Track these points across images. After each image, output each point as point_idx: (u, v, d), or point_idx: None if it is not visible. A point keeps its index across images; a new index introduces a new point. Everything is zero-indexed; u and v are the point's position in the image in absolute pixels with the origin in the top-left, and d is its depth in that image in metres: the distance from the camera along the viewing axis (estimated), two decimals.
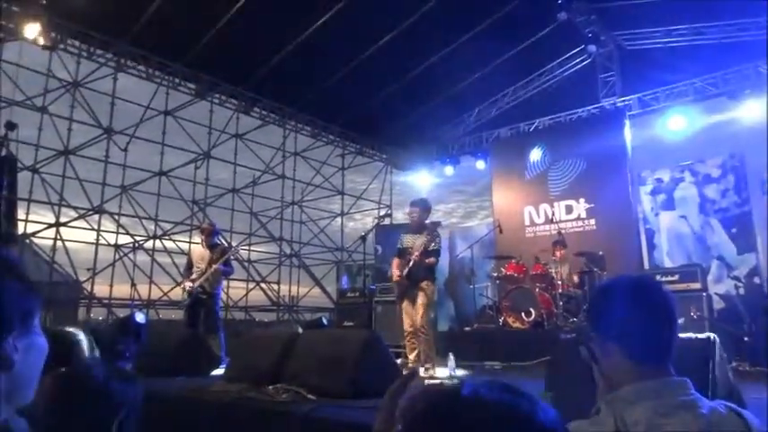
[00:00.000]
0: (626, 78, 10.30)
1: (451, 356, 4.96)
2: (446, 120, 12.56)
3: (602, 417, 1.13)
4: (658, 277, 6.14)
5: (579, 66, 10.90)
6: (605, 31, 9.86)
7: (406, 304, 5.40)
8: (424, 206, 5.65)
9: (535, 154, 10.17)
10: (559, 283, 7.24)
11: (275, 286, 12.21)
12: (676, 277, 6.09)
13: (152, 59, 9.89)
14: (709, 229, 8.50)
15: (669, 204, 8.95)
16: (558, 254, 7.52)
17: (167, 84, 10.41)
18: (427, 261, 5.28)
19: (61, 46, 9.06)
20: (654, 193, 9.16)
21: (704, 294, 5.87)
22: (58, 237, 9.26)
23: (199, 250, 6.47)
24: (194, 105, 10.96)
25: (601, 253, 7.55)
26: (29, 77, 9.20)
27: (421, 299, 5.28)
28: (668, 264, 8.48)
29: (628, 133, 9.44)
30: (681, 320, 5.75)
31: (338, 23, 8.75)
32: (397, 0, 8.53)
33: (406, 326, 5.38)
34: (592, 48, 9.62)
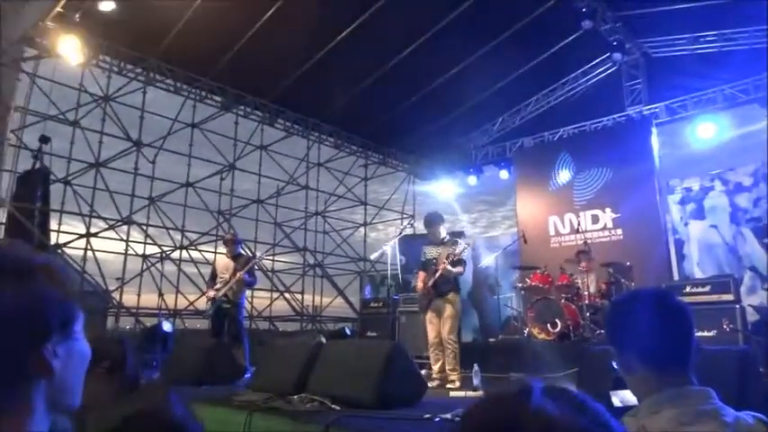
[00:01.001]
0: (653, 86, 10.14)
1: (476, 367, 4.91)
2: (469, 129, 12.53)
3: (626, 430, 1.12)
4: (689, 288, 6.00)
5: (604, 74, 10.78)
6: (631, 39, 9.74)
7: (430, 315, 5.38)
8: (439, 222, 5.64)
9: (560, 163, 10.06)
10: (586, 294, 7.12)
11: (299, 296, 12.27)
12: (707, 288, 5.94)
13: (179, 73, 10.13)
14: (741, 238, 8.28)
15: (699, 214, 8.75)
16: (582, 264, 7.42)
17: (194, 97, 10.63)
18: (455, 270, 5.26)
19: (93, 61, 9.33)
20: (683, 202, 8.97)
21: (737, 306, 5.70)
22: (89, 247, 9.47)
23: (223, 260, 6.55)
24: (220, 118, 11.16)
25: (628, 263, 7.41)
26: (62, 92, 9.50)
27: (448, 311, 5.25)
28: (699, 275, 8.27)
29: (655, 142, 9.28)
30: (713, 333, 5.62)
31: (361, 35, 8.83)
32: (420, 11, 8.58)
33: (431, 337, 5.36)
34: (617, 56, 9.51)
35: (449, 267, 5.20)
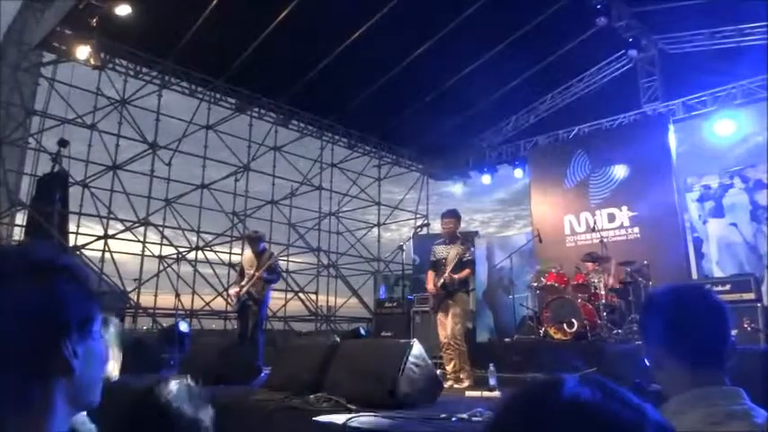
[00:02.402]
0: (669, 82, 10.01)
1: (492, 367, 4.88)
2: (483, 128, 12.48)
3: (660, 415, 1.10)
4: (708, 287, 5.90)
5: (620, 71, 10.66)
6: (646, 36, 9.62)
7: (440, 315, 5.39)
8: (457, 217, 5.64)
9: (575, 161, 9.95)
10: (602, 293, 7.04)
11: (313, 296, 12.32)
12: (728, 287, 5.83)
13: (194, 76, 10.23)
14: (762, 237, 8.13)
15: (718, 212, 8.61)
16: (589, 266, 7.37)
17: (209, 99, 10.73)
18: (460, 275, 5.24)
19: (110, 66, 9.47)
20: (701, 200, 8.83)
21: (758, 305, 5.60)
22: (107, 248, 9.60)
23: (248, 256, 6.60)
24: (234, 119, 11.25)
25: (646, 262, 7.30)
26: (80, 96, 9.65)
27: (455, 310, 5.25)
28: (718, 274, 8.14)
29: (672, 139, 9.13)
30: (734, 333, 5.51)
31: (374, 35, 8.84)
32: (432, 11, 8.56)
33: (442, 337, 5.38)
34: (632, 52, 9.39)
35: (454, 276, 5.20)
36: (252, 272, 6.26)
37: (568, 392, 0.50)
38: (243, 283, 6.29)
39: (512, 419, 0.53)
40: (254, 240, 6.57)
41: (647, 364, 1.24)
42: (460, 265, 5.27)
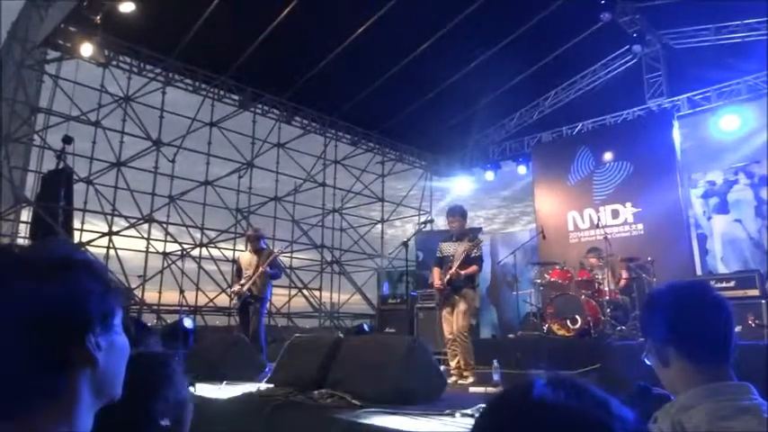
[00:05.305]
0: (674, 78, 9.96)
1: (496, 363, 4.89)
2: (486, 125, 12.45)
3: (659, 424, 1.10)
4: (713, 284, 5.88)
5: (624, 67, 10.62)
6: (651, 31, 9.58)
7: (446, 311, 5.38)
8: (463, 214, 5.63)
9: (579, 158, 9.94)
10: (606, 289, 7.03)
11: (317, 293, 12.34)
12: (732, 284, 5.83)
13: (198, 73, 10.23)
14: (767, 233, 8.10)
15: (723, 208, 8.58)
16: (592, 260, 7.36)
17: (213, 96, 10.74)
18: (467, 271, 5.23)
19: (113, 62, 9.48)
20: (706, 196, 8.80)
21: (763, 302, 5.60)
22: (111, 245, 9.63)
23: (246, 257, 6.62)
24: (238, 116, 11.25)
25: (650, 259, 7.29)
26: (84, 93, 9.66)
27: (462, 306, 5.24)
28: (722, 270, 8.12)
29: (677, 135, 9.11)
30: (738, 329, 5.52)
31: (377, 32, 8.82)
32: (435, 7, 8.54)
33: (446, 333, 5.37)
34: (637, 48, 9.36)
35: (460, 272, 5.19)
36: (250, 271, 6.28)
37: (536, 394, 0.55)
38: (243, 281, 6.31)
39: (491, 421, 0.58)
40: (254, 239, 6.58)
41: (648, 363, 1.24)
42: (467, 261, 5.25)
